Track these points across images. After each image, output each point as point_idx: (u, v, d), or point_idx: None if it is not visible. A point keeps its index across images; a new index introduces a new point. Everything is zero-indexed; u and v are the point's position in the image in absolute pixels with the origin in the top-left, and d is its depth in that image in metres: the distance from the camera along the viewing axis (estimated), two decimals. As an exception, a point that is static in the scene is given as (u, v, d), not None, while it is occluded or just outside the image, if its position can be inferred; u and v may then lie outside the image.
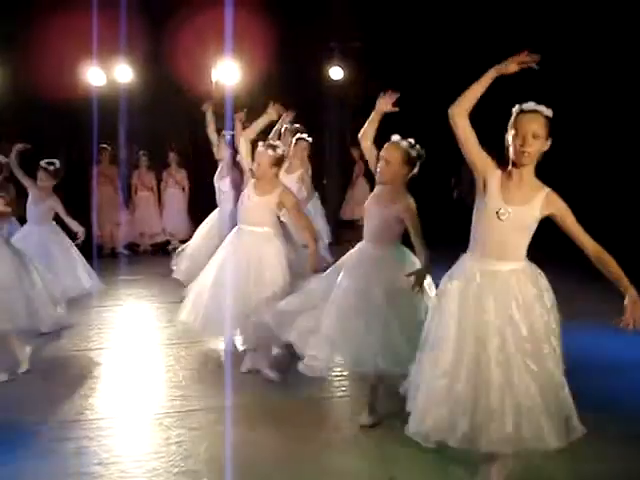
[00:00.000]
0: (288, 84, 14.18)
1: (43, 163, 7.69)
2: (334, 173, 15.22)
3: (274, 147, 6.01)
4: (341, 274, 5.08)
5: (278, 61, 13.34)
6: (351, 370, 5.64)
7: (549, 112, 3.78)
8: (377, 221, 5.08)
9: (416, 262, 4.89)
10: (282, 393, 5.84)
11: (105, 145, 12.86)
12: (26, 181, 7.60)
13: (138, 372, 6.42)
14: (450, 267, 4.07)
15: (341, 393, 5.90)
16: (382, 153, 5.05)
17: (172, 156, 13.30)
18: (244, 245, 6.00)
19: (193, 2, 11.86)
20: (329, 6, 13.78)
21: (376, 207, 5.11)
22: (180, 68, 11.90)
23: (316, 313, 5.00)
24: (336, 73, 14.85)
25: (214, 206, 8.41)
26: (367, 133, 5.19)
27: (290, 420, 5.28)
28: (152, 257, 12.40)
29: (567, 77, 10.90)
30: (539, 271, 3.94)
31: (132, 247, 12.93)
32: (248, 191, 6.09)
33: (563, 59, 10.75)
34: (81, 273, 7.73)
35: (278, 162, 6.03)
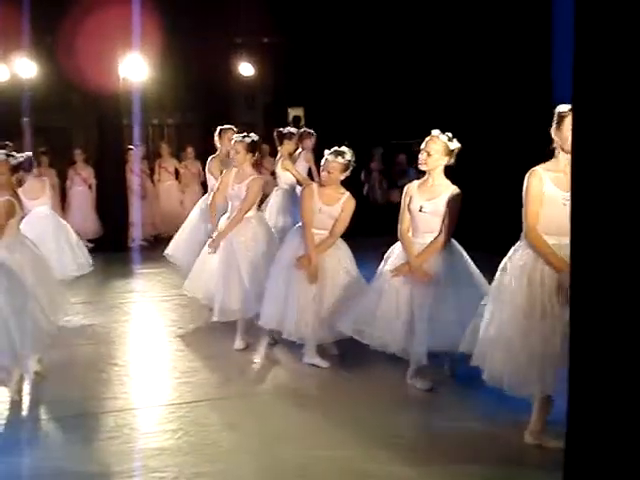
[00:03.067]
0: (197, 80, 14.05)
1: None
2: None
3: (342, 154, 5.97)
4: None
5: (187, 57, 13.21)
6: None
7: None
8: None
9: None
10: (171, 394, 5.70)
11: (7, 143, 12.46)
12: None
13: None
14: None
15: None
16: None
17: (78, 153, 12.98)
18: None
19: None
20: (237, 2, 13.72)
21: None
22: (85, 63, 11.60)
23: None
24: (246, 69, 14.79)
25: (121, 203, 8.22)
26: None
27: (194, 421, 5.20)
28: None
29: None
30: None
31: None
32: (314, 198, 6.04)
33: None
34: None
35: (346, 168, 6.03)
